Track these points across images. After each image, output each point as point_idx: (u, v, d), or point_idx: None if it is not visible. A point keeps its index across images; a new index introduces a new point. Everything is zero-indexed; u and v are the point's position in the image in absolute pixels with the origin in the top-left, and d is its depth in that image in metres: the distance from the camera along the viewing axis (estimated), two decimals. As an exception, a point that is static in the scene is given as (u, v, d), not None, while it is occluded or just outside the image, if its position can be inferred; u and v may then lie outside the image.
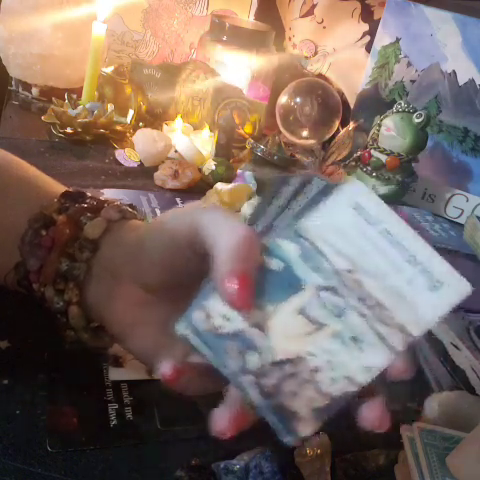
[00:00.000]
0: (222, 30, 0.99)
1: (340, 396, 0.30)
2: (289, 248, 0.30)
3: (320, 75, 1.11)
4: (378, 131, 0.87)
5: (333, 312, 0.30)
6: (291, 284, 0.30)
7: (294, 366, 0.30)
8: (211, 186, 0.81)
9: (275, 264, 0.30)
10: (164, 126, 0.94)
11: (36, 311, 0.52)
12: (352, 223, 0.30)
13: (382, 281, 0.30)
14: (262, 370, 0.30)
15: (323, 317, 0.30)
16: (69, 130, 0.88)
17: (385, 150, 0.85)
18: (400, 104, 0.85)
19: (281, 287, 0.30)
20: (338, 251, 0.30)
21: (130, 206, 0.42)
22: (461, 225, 0.82)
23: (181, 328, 0.31)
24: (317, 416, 0.31)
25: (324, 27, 1.10)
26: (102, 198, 0.44)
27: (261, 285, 0.30)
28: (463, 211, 0.91)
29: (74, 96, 0.93)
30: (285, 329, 0.30)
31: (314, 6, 1.09)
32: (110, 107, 0.91)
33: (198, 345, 0.31)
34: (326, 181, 0.31)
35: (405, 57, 0.94)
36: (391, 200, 0.86)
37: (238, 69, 1.01)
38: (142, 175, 0.84)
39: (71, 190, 0.44)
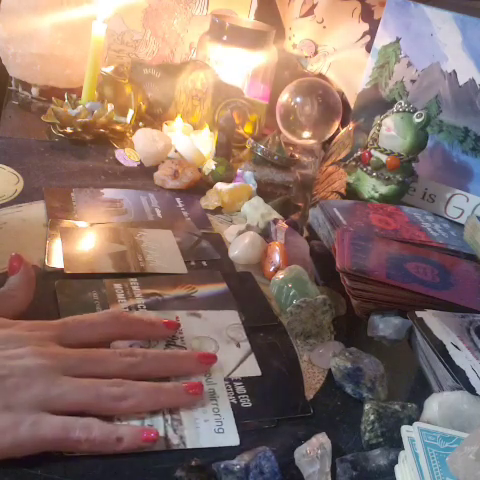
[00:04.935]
0: (222, 30, 0.99)
1: None
2: None
3: (320, 75, 1.11)
4: (378, 131, 0.86)
5: None
6: None
7: None
8: (211, 186, 0.81)
9: None
10: (164, 126, 0.94)
11: (36, 311, 0.52)
12: None
13: None
14: None
15: None
16: (69, 130, 0.88)
17: (385, 150, 0.85)
18: (400, 104, 0.85)
19: None
20: None
21: None
22: (461, 225, 0.82)
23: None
24: None
25: (324, 27, 1.10)
26: None
27: None
28: (463, 211, 0.91)
29: (74, 96, 0.93)
30: None
31: (314, 6, 1.09)
32: (110, 107, 0.91)
33: None
34: None
35: (405, 57, 0.94)
36: (391, 200, 0.86)
37: (238, 69, 1.01)
38: (142, 175, 0.84)
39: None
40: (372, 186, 0.87)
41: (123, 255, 0.62)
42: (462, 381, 0.48)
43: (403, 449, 0.42)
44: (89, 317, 0.48)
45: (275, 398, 0.48)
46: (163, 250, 0.65)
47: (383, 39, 0.95)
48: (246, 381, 0.49)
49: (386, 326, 0.56)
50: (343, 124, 0.99)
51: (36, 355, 0.42)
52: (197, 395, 0.45)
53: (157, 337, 0.51)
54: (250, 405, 0.47)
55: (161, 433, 0.42)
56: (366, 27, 1.06)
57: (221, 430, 0.44)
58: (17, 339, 0.43)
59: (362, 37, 1.07)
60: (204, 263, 0.65)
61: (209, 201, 0.79)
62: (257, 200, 0.77)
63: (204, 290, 0.60)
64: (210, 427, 0.44)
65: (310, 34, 1.11)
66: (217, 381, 0.48)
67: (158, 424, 0.43)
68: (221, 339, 0.53)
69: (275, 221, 0.71)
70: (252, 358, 0.52)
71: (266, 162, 0.86)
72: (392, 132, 0.85)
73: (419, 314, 0.55)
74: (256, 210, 0.75)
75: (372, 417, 0.46)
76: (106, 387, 0.42)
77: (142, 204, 0.75)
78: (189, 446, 0.42)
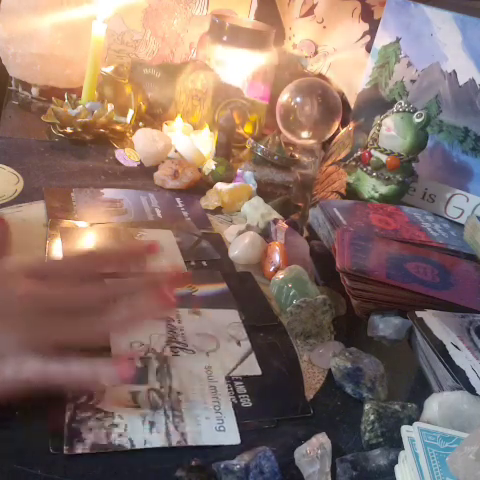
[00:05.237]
0: (222, 30, 0.99)
1: None
2: None
3: (320, 75, 1.11)
4: (378, 131, 0.86)
5: None
6: None
7: None
8: (211, 186, 0.81)
9: None
10: (164, 126, 0.94)
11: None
12: None
13: None
14: None
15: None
16: (69, 130, 0.88)
17: (385, 150, 0.85)
18: (400, 104, 0.85)
19: None
20: None
21: None
22: (461, 225, 0.82)
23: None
24: None
25: (324, 27, 1.10)
26: None
27: None
28: (463, 211, 0.91)
29: (74, 96, 0.93)
30: None
31: (314, 6, 1.09)
32: (110, 107, 0.91)
33: None
34: None
35: (405, 57, 0.94)
36: (391, 200, 0.86)
37: (238, 69, 1.01)
38: (142, 175, 0.84)
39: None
40: (372, 186, 0.87)
41: (123, 255, 0.62)
42: (462, 381, 0.48)
43: (403, 449, 0.42)
44: (64, 257, 0.51)
45: (275, 398, 0.48)
46: (163, 250, 0.65)
47: (383, 39, 0.95)
48: (246, 380, 0.49)
49: (386, 326, 0.56)
50: (343, 124, 0.99)
51: (16, 297, 0.42)
52: (171, 306, 0.49)
53: (132, 261, 0.53)
54: (250, 405, 0.47)
55: (162, 430, 0.42)
56: (366, 27, 1.06)
57: (222, 428, 0.44)
58: None
59: (362, 37, 1.07)
60: (204, 263, 0.65)
61: (209, 201, 0.79)
62: (257, 200, 0.77)
63: (204, 290, 0.60)
64: (211, 425, 0.44)
65: (310, 34, 1.11)
66: (218, 379, 0.48)
67: (159, 421, 0.43)
68: (222, 337, 0.53)
69: (275, 221, 0.71)
70: (252, 357, 0.52)
71: (266, 162, 0.86)
72: (392, 132, 0.85)
73: (419, 314, 0.55)
74: (256, 210, 0.75)
75: (372, 417, 0.46)
76: (86, 324, 0.44)
77: (142, 204, 0.75)
78: (190, 443, 0.42)
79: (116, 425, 0.42)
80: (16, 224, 0.65)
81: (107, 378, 0.42)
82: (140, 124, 0.95)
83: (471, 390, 0.47)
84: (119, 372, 0.42)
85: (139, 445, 0.41)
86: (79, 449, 0.40)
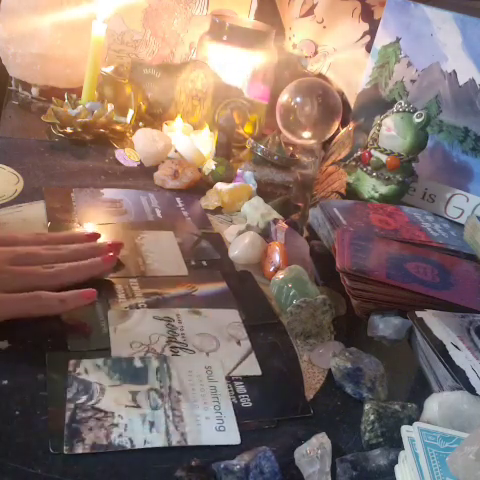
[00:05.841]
0: (222, 30, 0.99)
1: None
2: None
3: (320, 75, 1.11)
4: (378, 131, 0.86)
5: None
6: None
7: None
8: (211, 186, 0.81)
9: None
10: (164, 126, 0.94)
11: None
12: None
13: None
14: None
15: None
16: (69, 130, 0.88)
17: (385, 150, 0.85)
18: (400, 104, 0.85)
19: None
20: None
21: None
22: (461, 225, 0.82)
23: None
24: None
25: (324, 27, 1.10)
26: None
27: None
28: (463, 211, 0.91)
29: (74, 96, 0.93)
30: None
31: (314, 6, 1.09)
32: (110, 107, 0.91)
33: None
34: None
35: (405, 57, 0.94)
36: (391, 200, 0.86)
37: (238, 69, 1.01)
38: (142, 175, 0.84)
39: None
40: (372, 186, 0.87)
41: (123, 259, 0.62)
42: (462, 381, 0.48)
43: (403, 449, 0.42)
44: (14, 234, 0.59)
45: (275, 398, 0.48)
46: (164, 253, 0.65)
47: (383, 39, 0.95)
48: (246, 380, 0.49)
49: (386, 326, 0.56)
50: (343, 124, 0.99)
51: None
52: (110, 263, 0.59)
53: (79, 241, 0.61)
54: (250, 405, 0.47)
55: (162, 430, 0.42)
56: (366, 27, 1.06)
57: (222, 428, 0.44)
58: None
59: (362, 37, 1.07)
60: (204, 263, 0.65)
61: (209, 201, 0.79)
62: (257, 200, 0.77)
63: (204, 289, 0.60)
64: (211, 425, 0.44)
65: (310, 34, 1.11)
66: (218, 379, 0.48)
67: (159, 420, 0.43)
68: (222, 336, 0.53)
69: (275, 221, 0.72)
70: (252, 357, 0.52)
71: (266, 162, 0.86)
72: (392, 132, 0.85)
73: (419, 314, 0.55)
74: (256, 210, 0.75)
75: (372, 417, 0.46)
76: (42, 269, 0.53)
77: (142, 204, 0.75)
78: (190, 443, 0.42)
79: (116, 425, 0.42)
80: (16, 224, 0.65)
81: (72, 300, 0.51)
82: (140, 124, 0.95)
83: (471, 390, 0.47)
84: (82, 293, 0.52)
85: (139, 445, 0.41)
86: (79, 449, 0.40)
